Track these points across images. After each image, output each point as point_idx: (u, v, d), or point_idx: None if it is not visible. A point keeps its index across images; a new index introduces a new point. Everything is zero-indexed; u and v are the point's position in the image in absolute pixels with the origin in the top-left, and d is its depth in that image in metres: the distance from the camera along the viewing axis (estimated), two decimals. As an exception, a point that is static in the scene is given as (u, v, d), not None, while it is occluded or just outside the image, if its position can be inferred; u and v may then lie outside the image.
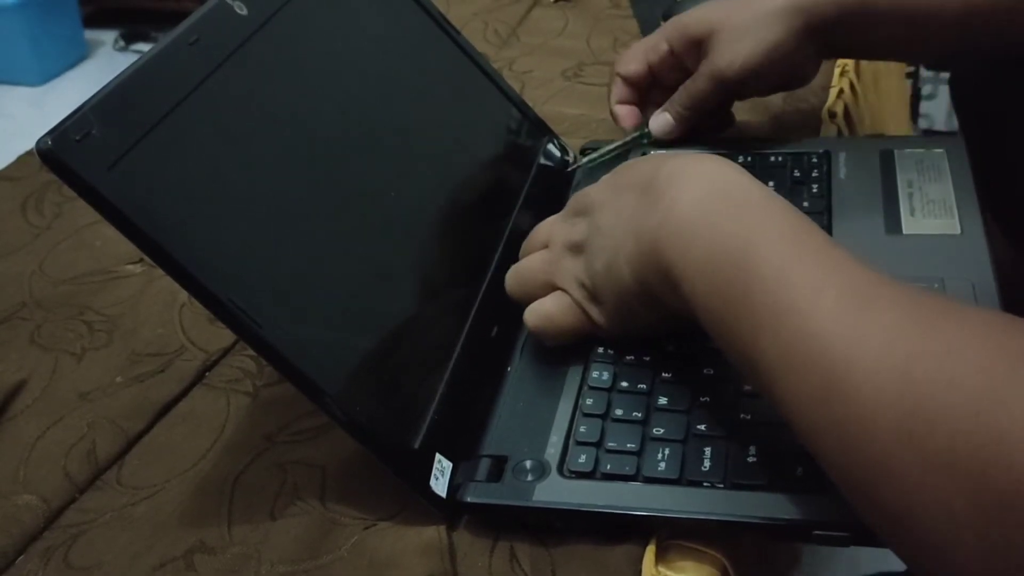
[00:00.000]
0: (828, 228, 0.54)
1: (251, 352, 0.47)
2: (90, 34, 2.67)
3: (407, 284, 0.48)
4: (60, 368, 0.53)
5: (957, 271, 0.49)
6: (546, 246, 0.48)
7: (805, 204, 0.57)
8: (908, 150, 0.59)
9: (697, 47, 0.58)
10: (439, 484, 0.42)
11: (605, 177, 0.47)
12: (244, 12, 0.45)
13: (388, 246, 0.48)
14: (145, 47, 2.61)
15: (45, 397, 0.51)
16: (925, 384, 0.30)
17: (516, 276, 0.49)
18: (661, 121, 0.60)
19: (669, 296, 0.41)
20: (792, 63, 0.56)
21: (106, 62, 2.63)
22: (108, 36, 2.71)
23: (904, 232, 0.53)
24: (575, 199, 0.48)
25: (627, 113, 0.62)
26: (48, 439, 0.48)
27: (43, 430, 0.49)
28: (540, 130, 0.64)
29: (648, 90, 0.62)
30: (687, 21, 0.59)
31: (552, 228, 0.49)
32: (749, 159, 0.60)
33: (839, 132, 0.68)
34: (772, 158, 0.60)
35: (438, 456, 0.42)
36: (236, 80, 0.43)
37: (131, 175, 0.37)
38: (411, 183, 0.51)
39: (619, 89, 0.62)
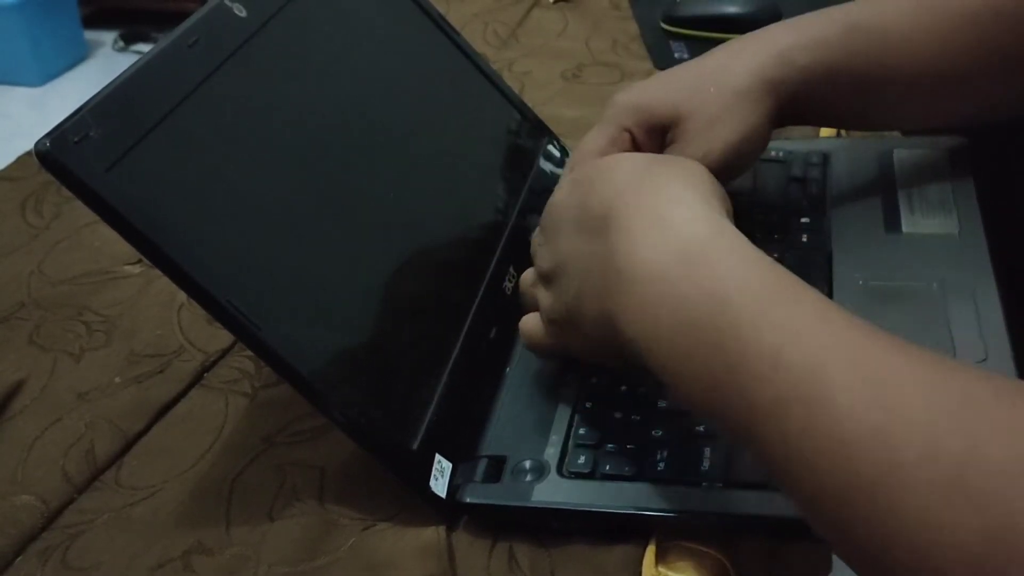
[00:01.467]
0: (827, 228, 0.55)
1: (250, 353, 0.47)
2: (90, 35, 2.68)
3: (406, 285, 0.48)
4: (59, 368, 0.53)
5: (956, 271, 0.49)
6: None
7: (804, 204, 0.57)
8: (907, 150, 0.59)
9: (661, 134, 0.51)
10: (438, 485, 0.42)
11: (568, 181, 0.44)
12: (243, 14, 0.45)
13: (387, 248, 0.47)
14: (145, 47, 2.62)
15: (43, 397, 0.51)
16: (986, 493, 0.27)
17: (523, 326, 0.47)
18: None
19: (637, 361, 0.37)
20: (760, 145, 0.51)
21: (106, 63, 2.63)
22: (108, 37, 2.71)
23: (903, 231, 0.53)
24: (546, 209, 0.45)
25: None
26: (46, 439, 0.48)
27: (41, 430, 0.49)
28: (540, 131, 0.64)
29: None
30: (648, 104, 0.51)
31: (534, 241, 0.47)
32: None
33: (838, 132, 0.68)
34: (772, 154, 0.60)
35: (437, 457, 0.42)
36: (235, 82, 0.43)
37: (129, 177, 0.37)
38: (410, 185, 0.51)
39: None
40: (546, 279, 0.44)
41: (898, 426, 0.29)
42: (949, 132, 0.59)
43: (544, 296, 0.44)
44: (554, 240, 0.43)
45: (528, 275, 0.47)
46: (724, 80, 0.49)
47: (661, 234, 0.37)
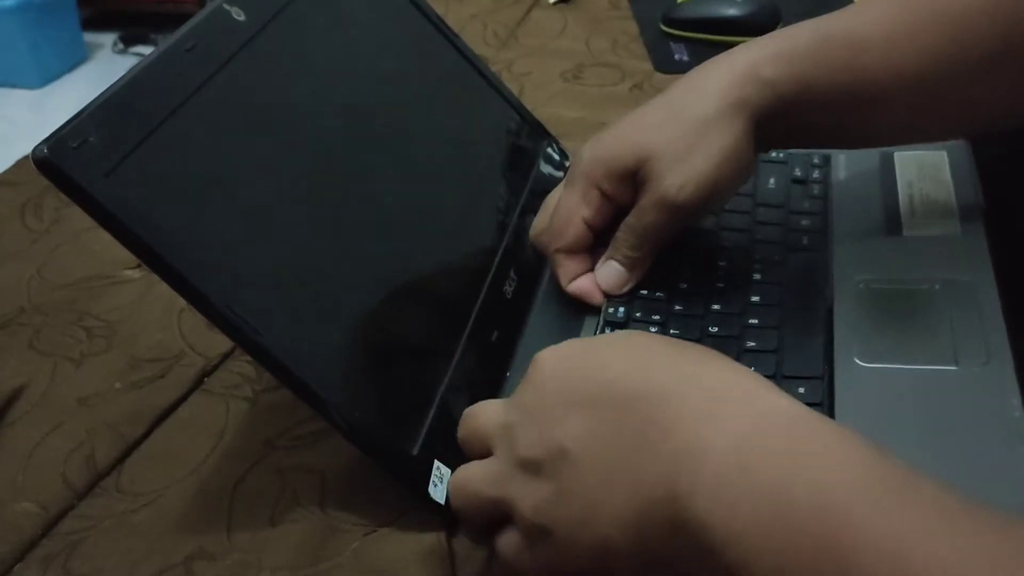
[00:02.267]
0: (828, 229, 0.54)
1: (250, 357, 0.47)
2: (89, 37, 2.68)
3: (407, 290, 0.47)
4: (59, 374, 0.53)
5: (957, 272, 0.49)
6: (487, 445, 0.38)
7: (805, 205, 0.57)
8: (908, 151, 0.59)
9: (630, 180, 0.48)
10: (438, 491, 0.41)
11: (551, 361, 0.36)
12: (242, 18, 0.45)
13: (387, 252, 0.47)
14: (144, 49, 2.62)
15: (44, 403, 0.51)
16: None
17: (456, 491, 0.39)
18: (609, 273, 0.49)
19: (690, 562, 0.31)
20: (742, 168, 0.47)
21: (105, 65, 2.64)
22: (107, 39, 2.71)
23: (904, 233, 0.53)
24: (520, 387, 0.37)
25: (591, 287, 0.50)
26: (47, 445, 0.48)
27: (42, 436, 0.49)
28: (539, 133, 0.64)
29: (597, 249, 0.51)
30: (609, 153, 0.48)
31: (492, 425, 0.38)
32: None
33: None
34: (773, 155, 0.60)
35: (436, 463, 0.42)
36: (234, 86, 0.43)
37: (128, 183, 0.37)
38: (410, 188, 0.51)
39: (566, 267, 0.50)
40: (531, 468, 0.35)
41: None
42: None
43: (529, 490, 0.34)
44: (542, 421, 0.35)
45: (477, 474, 0.38)
46: (689, 109, 0.47)
47: (730, 409, 0.31)
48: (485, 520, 0.38)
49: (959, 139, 0.58)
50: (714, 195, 0.47)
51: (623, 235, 0.49)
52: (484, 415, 0.39)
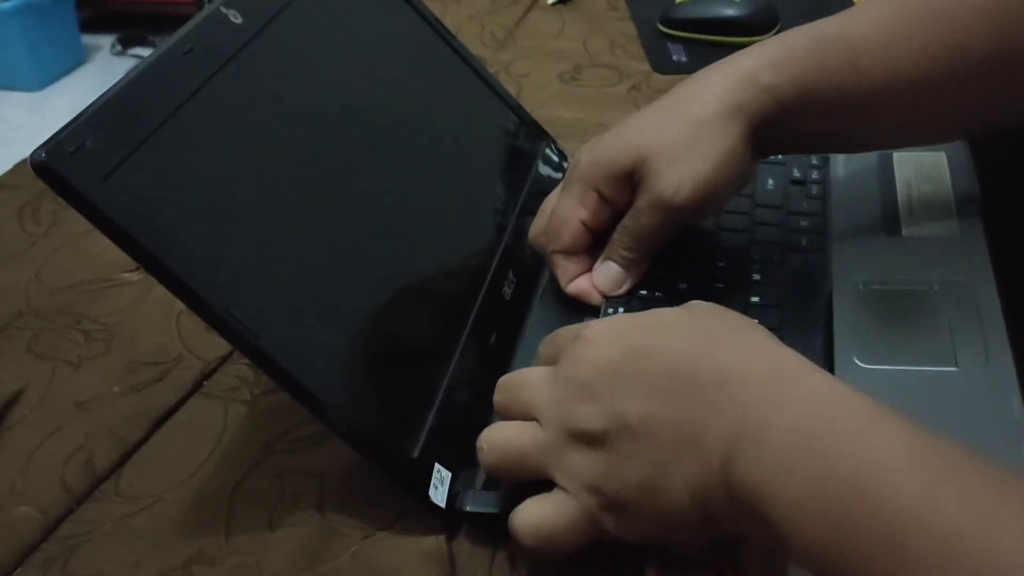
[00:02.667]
0: (827, 230, 0.54)
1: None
2: (87, 39, 2.68)
3: (405, 292, 0.47)
4: (57, 377, 0.53)
5: (956, 273, 0.49)
6: (531, 413, 0.39)
7: (804, 206, 0.57)
8: (907, 152, 0.58)
9: (627, 182, 0.48)
10: (438, 494, 0.41)
11: (607, 334, 0.38)
12: (239, 20, 0.45)
13: (385, 255, 0.47)
14: (142, 51, 2.62)
15: (42, 407, 0.51)
16: None
17: (498, 452, 0.39)
18: (606, 274, 0.50)
19: (745, 522, 0.34)
20: (740, 171, 0.47)
21: (104, 66, 2.64)
22: (105, 40, 2.72)
23: (903, 234, 0.53)
24: (572, 362, 0.38)
25: (589, 288, 0.50)
26: (45, 449, 0.48)
27: (40, 440, 0.49)
28: (537, 134, 0.64)
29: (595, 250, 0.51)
30: (606, 155, 0.48)
31: (542, 395, 0.39)
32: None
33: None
34: (771, 158, 0.60)
35: (437, 466, 0.42)
36: (231, 89, 0.43)
37: (126, 187, 0.37)
38: (408, 190, 0.51)
39: (565, 268, 0.51)
40: (587, 441, 0.37)
41: None
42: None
43: (582, 462, 0.37)
44: (610, 399, 0.36)
45: (523, 439, 0.39)
46: (688, 112, 0.47)
47: (787, 394, 0.34)
48: (516, 480, 0.39)
49: (957, 140, 0.58)
50: (711, 197, 0.47)
51: (620, 236, 0.49)
52: (529, 384, 0.40)
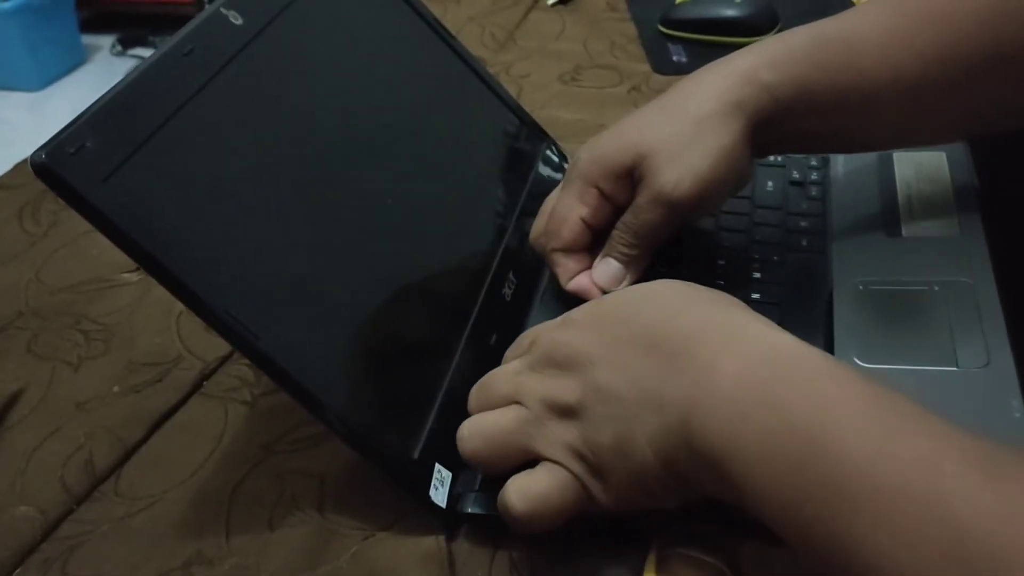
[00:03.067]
0: (827, 231, 0.54)
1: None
2: (87, 39, 2.68)
3: (405, 293, 0.47)
4: (57, 378, 0.53)
5: (957, 274, 0.49)
6: (512, 400, 0.40)
7: (804, 206, 0.57)
8: (906, 151, 0.58)
9: (627, 179, 0.48)
10: (439, 494, 0.41)
11: (585, 317, 0.40)
12: (239, 22, 0.45)
13: (386, 255, 0.47)
14: (142, 51, 2.62)
15: (42, 407, 0.51)
16: None
17: (481, 436, 0.40)
18: (606, 271, 0.49)
19: (707, 480, 0.35)
20: (739, 169, 0.47)
21: (104, 67, 2.64)
22: (105, 41, 2.72)
23: (903, 235, 0.53)
24: (547, 342, 0.40)
25: (590, 285, 0.50)
26: (45, 450, 0.48)
27: (40, 440, 0.49)
28: (537, 135, 0.64)
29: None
30: (606, 152, 0.49)
31: (519, 379, 0.40)
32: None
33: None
34: (771, 158, 0.60)
35: (437, 466, 0.42)
36: (231, 90, 0.43)
37: (126, 188, 0.37)
38: (408, 192, 0.51)
39: (565, 265, 0.50)
40: (565, 412, 0.38)
41: (1012, 509, 0.28)
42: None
43: (563, 431, 0.38)
44: (585, 369, 0.38)
45: (507, 421, 0.40)
46: (687, 109, 0.47)
47: (740, 343, 0.35)
48: (500, 467, 0.40)
49: (957, 141, 0.58)
50: (709, 194, 0.47)
51: (620, 232, 0.49)
52: (504, 377, 0.41)
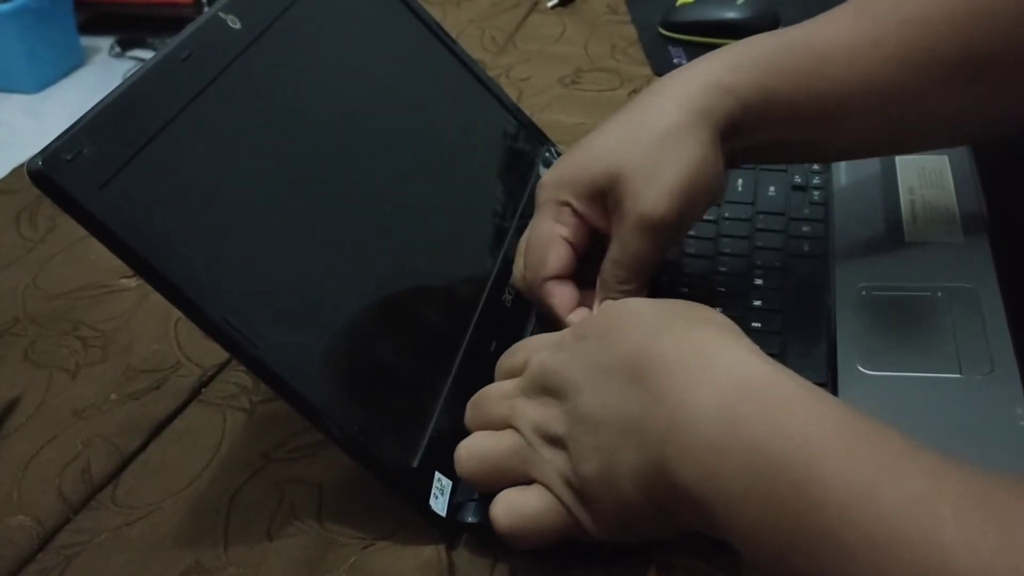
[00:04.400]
0: (829, 236, 0.54)
1: (247, 368, 0.46)
2: (86, 40, 2.67)
3: (405, 300, 0.47)
4: (54, 385, 0.52)
5: (960, 279, 0.49)
6: (507, 423, 0.40)
7: (806, 212, 0.56)
8: (909, 157, 0.58)
9: (600, 201, 0.46)
10: (439, 503, 0.41)
11: (570, 339, 0.39)
12: (237, 26, 0.44)
13: (385, 262, 0.47)
14: (141, 53, 2.61)
15: (39, 415, 0.50)
16: None
17: (478, 460, 0.40)
18: None
19: (692, 518, 0.34)
20: (714, 179, 0.45)
21: (102, 69, 2.63)
22: (104, 42, 2.71)
23: (906, 240, 0.52)
24: (538, 367, 0.40)
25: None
26: (42, 458, 0.48)
27: (37, 449, 0.48)
28: (538, 139, 0.63)
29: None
30: (574, 173, 0.46)
31: (514, 404, 0.40)
32: (750, 164, 0.60)
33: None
34: (773, 165, 0.60)
35: (437, 474, 0.42)
36: (230, 96, 0.43)
37: (124, 195, 0.36)
38: (408, 198, 0.50)
39: (560, 295, 0.47)
40: (557, 443, 0.38)
41: (1016, 557, 0.27)
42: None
43: (554, 458, 0.38)
44: (570, 398, 0.37)
45: (503, 444, 0.40)
46: (654, 123, 0.45)
47: (715, 373, 0.34)
48: (499, 488, 0.40)
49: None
50: (689, 209, 0.45)
51: (611, 272, 0.46)
52: (500, 398, 0.41)
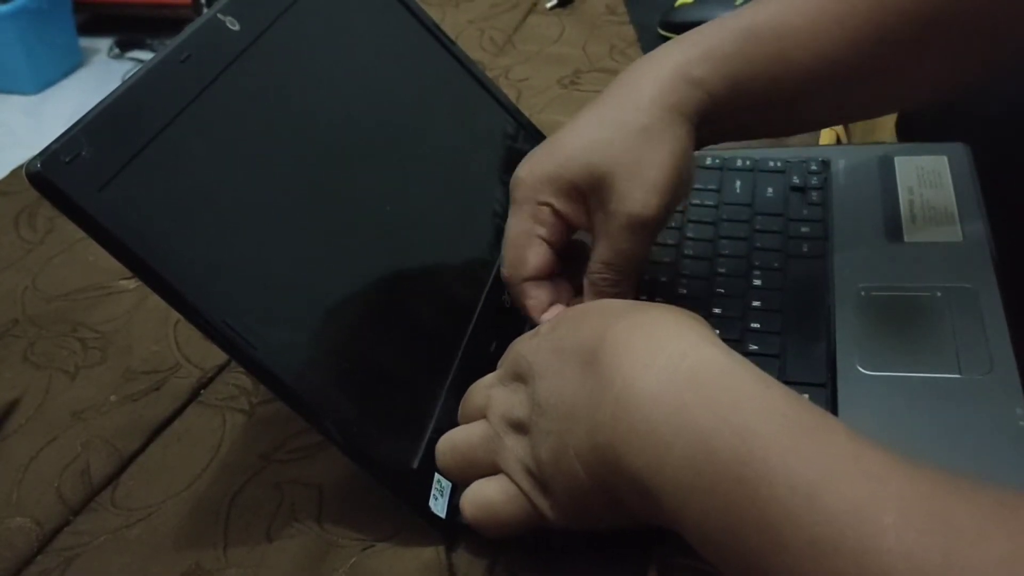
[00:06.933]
0: (828, 236, 0.54)
1: (246, 370, 0.46)
2: (85, 42, 2.67)
3: (404, 301, 0.47)
4: (53, 386, 0.52)
5: (959, 280, 0.49)
6: (483, 413, 0.41)
7: (804, 212, 0.56)
8: (908, 157, 0.58)
9: (579, 199, 0.46)
10: (438, 504, 0.41)
11: (545, 328, 0.40)
12: (236, 28, 0.44)
13: (384, 263, 0.47)
14: (140, 54, 2.61)
15: (38, 416, 0.50)
16: None
17: (452, 451, 0.41)
18: None
19: (638, 506, 0.34)
20: (689, 172, 0.46)
21: (101, 70, 2.63)
22: (103, 43, 2.71)
23: (905, 240, 0.52)
24: (512, 354, 0.41)
25: None
26: (41, 460, 0.48)
27: (36, 450, 0.48)
28: (537, 140, 0.63)
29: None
30: (552, 170, 0.46)
31: (490, 392, 0.41)
32: (748, 164, 0.60)
33: (838, 139, 0.67)
34: (771, 164, 0.60)
35: (437, 476, 0.42)
36: (228, 97, 0.43)
37: (123, 197, 0.36)
38: (407, 199, 0.50)
39: (537, 297, 0.47)
40: (520, 428, 0.39)
41: (957, 571, 0.26)
42: (950, 138, 0.59)
43: (516, 445, 0.39)
44: (532, 383, 0.38)
45: (474, 435, 0.41)
46: (630, 120, 0.45)
47: (666, 359, 0.34)
48: (471, 478, 0.41)
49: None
50: (672, 203, 0.45)
51: (600, 275, 0.45)
52: (478, 388, 0.43)
